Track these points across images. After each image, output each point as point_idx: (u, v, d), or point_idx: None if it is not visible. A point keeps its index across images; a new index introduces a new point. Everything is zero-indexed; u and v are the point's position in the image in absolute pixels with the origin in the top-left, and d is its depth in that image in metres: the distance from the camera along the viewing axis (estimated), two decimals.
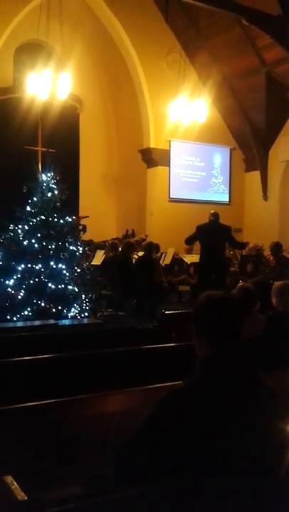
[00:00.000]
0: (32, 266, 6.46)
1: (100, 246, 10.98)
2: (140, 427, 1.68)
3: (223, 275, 8.85)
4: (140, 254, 9.75)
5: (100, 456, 2.25)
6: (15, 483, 1.57)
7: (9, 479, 1.59)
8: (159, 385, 2.62)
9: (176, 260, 11.18)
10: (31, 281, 6.41)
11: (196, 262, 10.25)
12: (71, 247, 6.74)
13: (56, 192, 6.84)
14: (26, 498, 1.52)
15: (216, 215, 8.84)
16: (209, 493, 1.55)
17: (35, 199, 6.75)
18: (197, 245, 11.04)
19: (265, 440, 1.63)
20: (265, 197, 14.08)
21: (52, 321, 5.52)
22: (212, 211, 9.06)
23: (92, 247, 10.37)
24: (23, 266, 6.46)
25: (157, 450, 1.61)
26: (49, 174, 6.87)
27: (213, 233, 8.67)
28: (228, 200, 14.77)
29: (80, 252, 6.89)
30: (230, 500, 1.56)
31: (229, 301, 1.85)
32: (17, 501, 1.52)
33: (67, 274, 6.60)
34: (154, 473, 1.59)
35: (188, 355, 1.97)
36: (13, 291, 6.37)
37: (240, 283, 5.06)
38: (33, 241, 6.55)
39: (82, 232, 8.18)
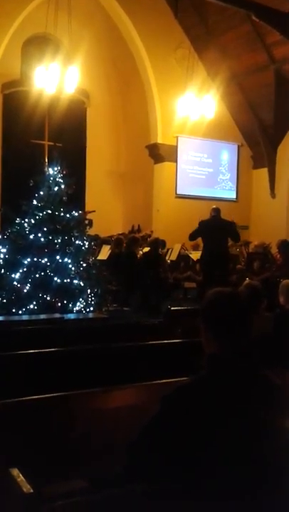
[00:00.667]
0: (38, 260, 6.47)
1: (106, 241, 10.98)
2: (148, 423, 1.67)
3: (226, 271, 8.85)
4: (145, 250, 9.75)
5: (106, 451, 2.25)
6: (21, 476, 1.57)
7: (15, 472, 1.59)
8: (164, 380, 2.62)
9: (182, 257, 11.16)
10: (37, 275, 6.41)
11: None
12: (77, 242, 6.73)
13: (63, 186, 6.83)
14: (32, 490, 1.52)
15: (217, 211, 8.84)
16: (214, 490, 1.55)
17: (41, 193, 6.75)
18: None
19: (272, 438, 1.63)
20: (273, 194, 14.02)
21: (57, 315, 5.52)
22: (213, 206, 9.05)
23: (98, 242, 10.37)
24: (29, 260, 6.46)
25: (165, 446, 1.60)
26: (56, 168, 6.85)
27: (215, 229, 8.68)
28: (235, 197, 14.72)
29: (86, 246, 6.88)
30: (236, 498, 1.56)
31: (238, 297, 1.84)
32: (23, 494, 1.52)
33: (73, 268, 6.60)
34: (163, 469, 1.59)
35: (194, 351, 1.96)
36: (19, 285, 6.38)
37: (247, 280, 5.04)
38: (40, 235, 6.55)
39: (88, 227, 8.18)
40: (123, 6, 12.83)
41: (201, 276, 9.70)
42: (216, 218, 8.80)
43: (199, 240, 9.61)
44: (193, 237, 9.13)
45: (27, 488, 1.53)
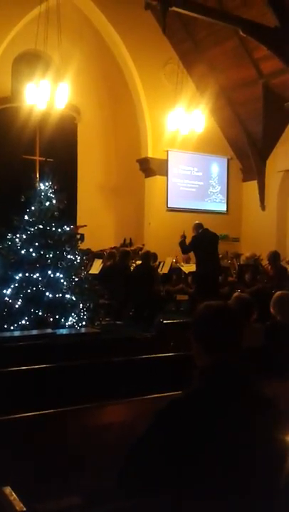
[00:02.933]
0: (29, 275, 6.45)
1: (98, 255, 10.99)
2: (140, 437, 1.67)
3: (218, 283, 9.08)
4: (138, 263, 9.76)
5: (100, 467, 2.24)
6: (13, 494, 1.56)
7: (8, 490, 1.58)
8: (157, 395, 2.61)
9: (174, 269, 11.19)
10: (29, 291, 6.39)
11: (194, 271, 10.30)
12: (69, 256, 6.73)
13: (54, 201, 6.85)
14: (25, 509, 1.50)
15: (202, 225, 9.10)
16: (208, 503, 1.54)
17: (33, 208, 6.76)
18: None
19: (265, 450, 1.63)
20: (263, 206, 14.13)
21: (49, 331, 5.50)
22: (197, 222, 9.29)
23: (89, 256, 10.38)
24: (20, 275, 6.45)
25: (157, 461, 1.60)
26: (47, 183, 6.88)
27: (208, 242, 8.91)
28: (225, 209, 14.81)
29: (78, 261, 6.88)
30: (230, 508, 1.56)
31: (228, 310, 1.86)
32: None
33: (65, 283, 6.59)
34: (155, 483, 1.58)
35: (187, 364, 1.97)
36: (10, 300, 6.35)
37: (237, 292, 5.06)
38: (31, 250, 6.55)
39: (80, 242, 8.19)
40: (112, 23, 12.99)
41: (195, 288, 9.79)
42: (207, 232, 9.01)
43: (190, 253, 9.74)
44: (188, 250, 9.38)
45: (20, 506, 1.52)
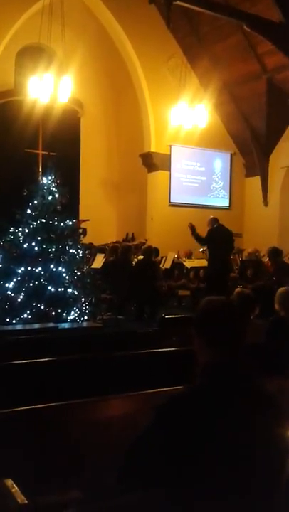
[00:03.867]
0: (32, 269, 6.46)
1: (100, 250, 10.99)
2: (141, 433, 1.67)
3: (228, 279, 9.07)
4: (140, 258, 9.76)
5: (100, 461, 2.25)
6: (15, 487, 1.56)
7: (9, 482, 1.58)
8: (159, 389, 2.61)
9: (176, 265, 11.18)
10: (31, 285, 6.40)
11: (196, 266, 10.30)
12: (71, 251, 6.74)
13: (57, 195, 6.84)
14: (26, 501, 1.51)
15: (217, 220, 9.03)
16: (208, 503, 1.55)
17: (35, 202, 6.75)
18: (197, 250, 11.08)
19: (266, 447, 1.63)
20: (266, 202, 14.10)
21: (51, 325, 5.51)
22: (211, 217, 9.19)
23: (92, 250, 10.39)
24: (22, 269, 6.45)
25: (158, 457, 1.60)
26: (50, 177, 6.87)
27: (222, 238, 8.89)
28: (228, 205, 14.78)
29: (80, 255, 6.89)
30: (230, 508, 1.56)
31: (230, 306, 1.85)
32: (17, 505, 1.51)
33: (67, 277, 6.60)
34: (155, 479, 1.59)
35: (189, 360, 1.97)
36: (12, 294, 6.36)
37: (239, 288, 5.06)
38: (33, 244, 6.55)
39: (82, 236, 8.19)
40: (116, 17, 12.93)
41: (205, 283, 9.70)
42: (220, 227, 8.98)
43: (193, 247, 9.70)
44: (204, 242, 9.25)
45: (21, 499, 1.52)
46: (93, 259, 9.74)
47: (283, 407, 1.75)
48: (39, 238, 6.57)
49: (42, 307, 6.34)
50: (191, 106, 12.75)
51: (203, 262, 10.06)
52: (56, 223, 6.72)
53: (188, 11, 11.36)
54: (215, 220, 9.08)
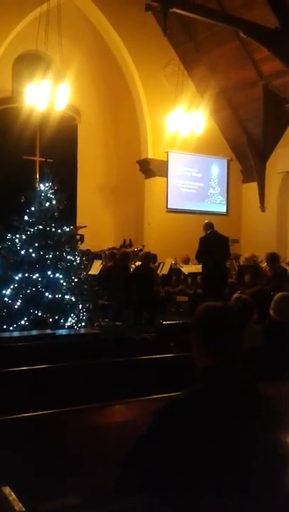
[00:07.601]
0: (29, 275, 6.46)
1: (98, 256, 10.98)
2: (139, 438, 1.67)
3: (225, 284, 9.03)
4: (137, 264, 9.76)
5: (99, 467, 2.24)
6: (13, 494, 1.55)
7: (7, 490, 1.57)
8: (157, 395, 2.61)
9: (174, 270, 11.18)
10: (28, 291, 6.40)
11: (194, 272, 10.29)
12: (68, 257, 6.74)
13: (54, 202, 6.85)
14: (24, 509, 1.50)
15: (211, 226, 9.01)
16: (209, 504, 1.54)
17: (33, 209, 6.77)
18: (194, 256, 11.08)
19: (266, 452, 1.63)
20: (263, 208, 14.13)
21: (49, 331, 5.50)
22: (207, 221, 9.19)
23: (89, 256, 10.37)
24: (20, 275, 6.45)
25: (156, 461, 1.60)
26: (47, 184, 6.88)
27: (215, 244, 8.86)
28: (225, 210, 14.81)
29: (78, 261, 6.89)
30: (230, 511, 1.55)
31: (228, 311, 1.85)
32: None
33: (65, 283, 6.60)
34: (154, 484, 1.58)
35: (187, 365, 1.96)
36: (9, 301, 6.36)
37: (237, 294, 5.06)
38: (31, 250, 6.55)
39: (79, 242, 8.19)
40: (113, 24, 12.99)
41: (202, 289, 9.72)
42: (214, 233, 8.96)
43: (190, 254, 9.69)
44: (200, 257, 9.16)
45: (19, 506, 1.51)
46: (90, 266, 9.73)
47: (281, 410, 1.75)
48: (36, 245, 6.58)
49: (39, 314, 6.33)
50: (188, 112, 12.79)
51: (201, 268, 10.05)
52: (54, 230, 6.73)
53: (184, 18, 11.42)
54: (210, 225, 9.07)
